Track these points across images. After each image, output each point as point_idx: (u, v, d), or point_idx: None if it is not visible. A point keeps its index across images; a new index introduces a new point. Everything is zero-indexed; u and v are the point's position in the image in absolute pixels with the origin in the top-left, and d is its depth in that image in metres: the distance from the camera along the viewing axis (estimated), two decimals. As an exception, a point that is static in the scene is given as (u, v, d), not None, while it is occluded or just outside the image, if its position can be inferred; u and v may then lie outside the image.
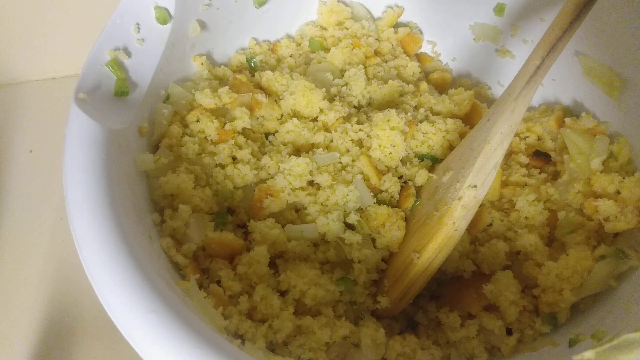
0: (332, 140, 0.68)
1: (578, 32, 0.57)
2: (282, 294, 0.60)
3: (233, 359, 0.44)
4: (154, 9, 0.64)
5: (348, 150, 0.68)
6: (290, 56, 0.80)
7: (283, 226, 0.63)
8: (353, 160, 0.67)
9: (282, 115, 0.71)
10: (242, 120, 0.67)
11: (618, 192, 0.62)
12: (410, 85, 0.77)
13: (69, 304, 0.76)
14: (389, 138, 0.66)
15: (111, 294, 0.44)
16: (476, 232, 0.67)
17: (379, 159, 0.67)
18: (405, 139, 0.67)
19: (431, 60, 0.87)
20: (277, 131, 0.70)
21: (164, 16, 0.64)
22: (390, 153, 0.66)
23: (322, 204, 0.64)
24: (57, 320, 0.75)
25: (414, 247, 0.61)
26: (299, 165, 0.64)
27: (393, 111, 0.67)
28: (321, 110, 0.70)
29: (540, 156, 0.70)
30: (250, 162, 0.66)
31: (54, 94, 0.94)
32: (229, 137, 0.66)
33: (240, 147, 0.67)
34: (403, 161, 0.68)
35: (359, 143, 0.68)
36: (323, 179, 0.64)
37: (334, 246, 0.63)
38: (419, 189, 0.68)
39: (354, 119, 0.70)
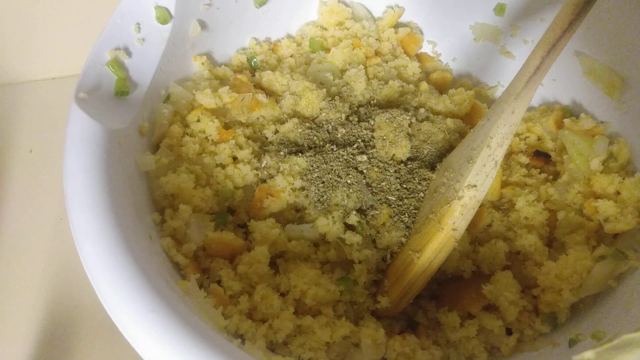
0: (332, 140, 0.69)
1: (578, 32, 0.57)
2: (283, 293, 0.60)
3: (233, 359, 0.44)
4: (155, 9, 0.64)
5: (348, 151, 0.68)
6: (291, 56, 0.80)
7: (283, 226, 0.63)
8: (354, 160, 0.67)
9: (282, 115, 0.71)
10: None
11: (618, 193, 0.62)
12: (411, 85, 0.77)
13: (69, 303, 0.76)
14: (394, 138, 0.66)
15: (111, 293, 0.44)
16: (476, 232, 0.67)
17: (381, 160, 0.67)
18: (410, 139, 0.67)
19: (431, 60, 0.86)
20: (277, 131, 0.70)
21: (164, 16, 0.64)
22: (393, 154, 0.67)
23: (322, 204, 0.64)
24: (57, 320, 0.75)
25: (414, 247, 0.61)
26: (299, 165, 0.65)
27: (398, 111, 0.67)
28: (321, 110, 0.70)
29: (540, 156, 0.70)
30: (251, 162, 0.66)
31: (54, 94, 0.94)
32: (229, 137, 0.66)
33: (240, 147, 0.67)
34: (404, 161, 0.69)
35: (360, 143, 0.68)
36: (323, 179, 0.64)
37: (334, 246, 0.63)
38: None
39: (355, 119, 0.70)
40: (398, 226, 0.64)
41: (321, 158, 0.66)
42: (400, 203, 0.66)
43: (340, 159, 0.66)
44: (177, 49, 0.68)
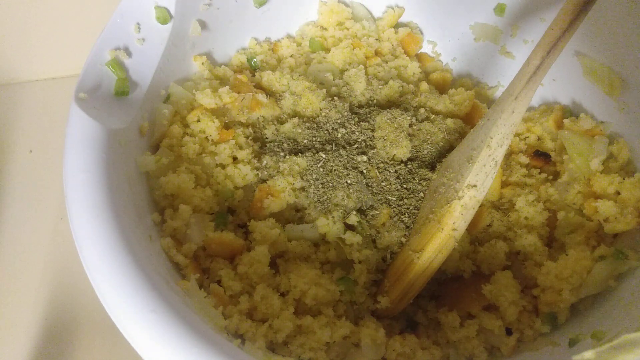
0: (332, 140, 0.69)
1: (578, 32, 0.57)
2: (283, 293, 0.60)
3: (233, 359, 0.44)
4: (155, 9, 0.64)
5: (348, 151, 0.68)
6: (291, 56, 0.80)
7: (283, 226, 0.63)
8: (354, 160, 0.67)
9: (282, 115, 0.71)
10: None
11: (618, 193, 0.62)
12: (411, 86, 0.77)
13: (69, 303, 0.76)
14: (394, 139, 0.66)
15: (111, 293, 0.44)
16: (476, 232, 0.67)
17: (382, 160, 0.67)
18: (410, 139, 0.67)
19: (431, 60, 0.87)
20: (277, 131, 0.70)
21: (164, 16, 0.64)
22: (394, 154, 0.67)
23: (322, 204, 0.64)
24: (57, 320, 0.75)
25: (414, 247, 0.61)
26: (299, 165, 0.65)
27: (398, 112, 0.67)
28: (321, 110, 0.70)
29: (540, 156, 0.70)
30: (251, 162, 0.66)
31: (54, 94, 0.94)
32: (229, 137, 0.66)
33: (240, 147, 0.67)
34: (404, 161, 0.69)
35: (360, 143, 0.68)
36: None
37: (334, 246, 0.63)
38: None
39: (355, 119, 0.70)
40: (398, 226, 0.64)
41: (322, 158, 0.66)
42: (400, 203, 0.66)
43: (341, 159, 0.66)
44: (177, 49, 0.68)
